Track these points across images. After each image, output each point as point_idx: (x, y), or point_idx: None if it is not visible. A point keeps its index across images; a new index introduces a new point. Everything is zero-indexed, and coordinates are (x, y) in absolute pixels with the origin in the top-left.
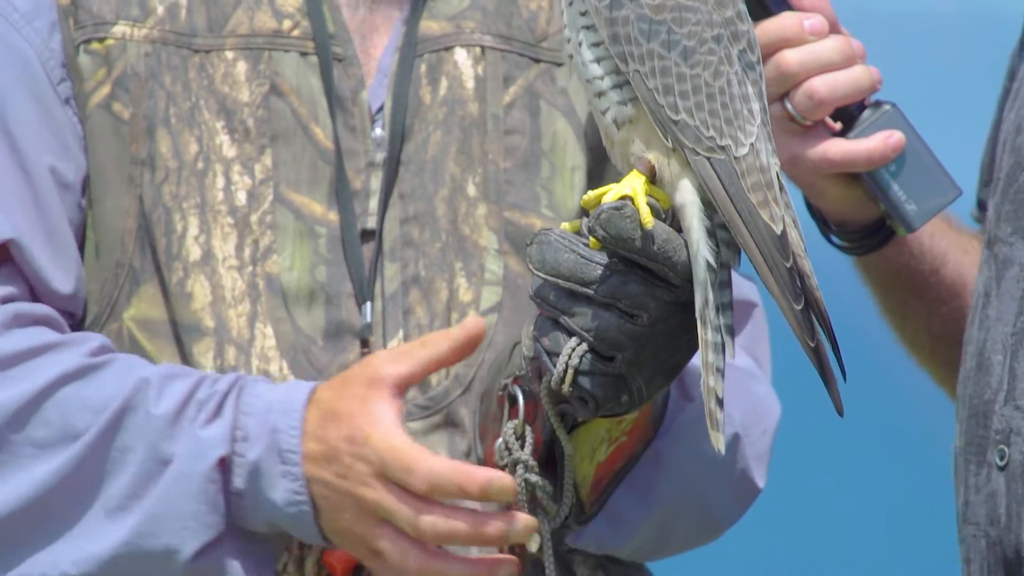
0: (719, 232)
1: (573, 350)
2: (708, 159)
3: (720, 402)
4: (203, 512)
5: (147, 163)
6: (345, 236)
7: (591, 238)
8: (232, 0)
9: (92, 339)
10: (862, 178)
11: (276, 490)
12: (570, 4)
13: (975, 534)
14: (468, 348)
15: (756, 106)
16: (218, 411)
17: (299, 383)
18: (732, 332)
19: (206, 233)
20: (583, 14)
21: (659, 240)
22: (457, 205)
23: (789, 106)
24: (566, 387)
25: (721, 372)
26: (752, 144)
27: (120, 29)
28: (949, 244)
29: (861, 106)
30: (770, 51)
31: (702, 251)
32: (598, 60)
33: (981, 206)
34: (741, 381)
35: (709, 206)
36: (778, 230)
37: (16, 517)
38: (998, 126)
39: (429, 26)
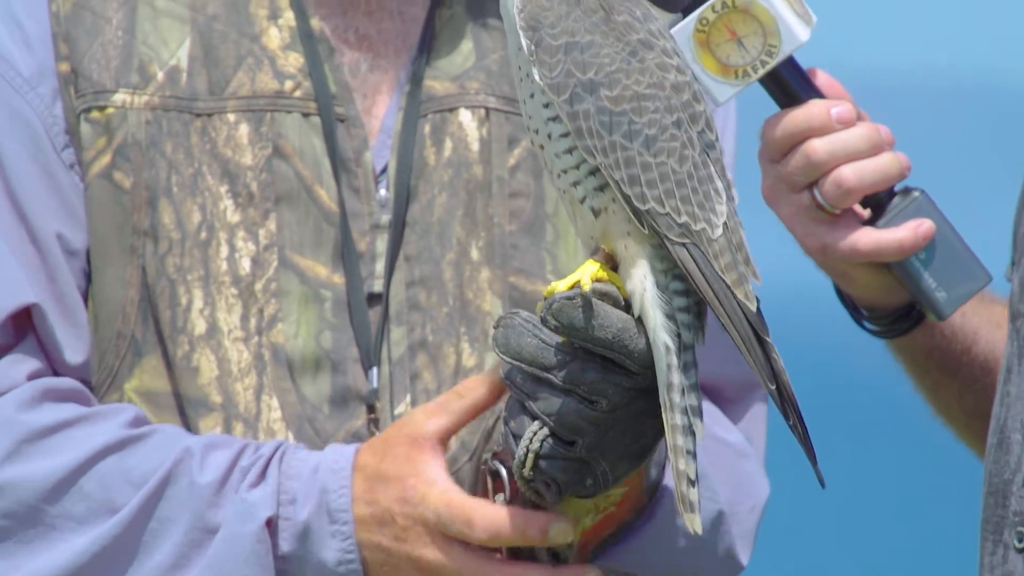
0: (679, 315)
1: (535, 434)
2: (683, 245)
3: (693, 483)
4: (255, 574)
5: (149, 234)
6: (351, 300)
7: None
8: (233, 62)
9: (127, 410)
10: (892, 266)
11: (326, 550)
12: (532, 96)
13: None
14: (503, 388)
15: (720, 184)
16: (263, 475)
17: (340, 446)
18: (700, 413)
19: (211, 306)
20: (547, 106)
21: (614, 328)
22: (462, 269)
23: (818, 195)
24: (527, 471)
25: (692, 454)
26: (724, 224)
27: (120, 97)
28: (981, 321)
29: (891, 193)
30: (798, 140)
31: (660, 337)
32: (569, 151)
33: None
34: (730, 458)
35: (667, 290)
36: (753, 307)
37: None
38: None
39: (432, 86)
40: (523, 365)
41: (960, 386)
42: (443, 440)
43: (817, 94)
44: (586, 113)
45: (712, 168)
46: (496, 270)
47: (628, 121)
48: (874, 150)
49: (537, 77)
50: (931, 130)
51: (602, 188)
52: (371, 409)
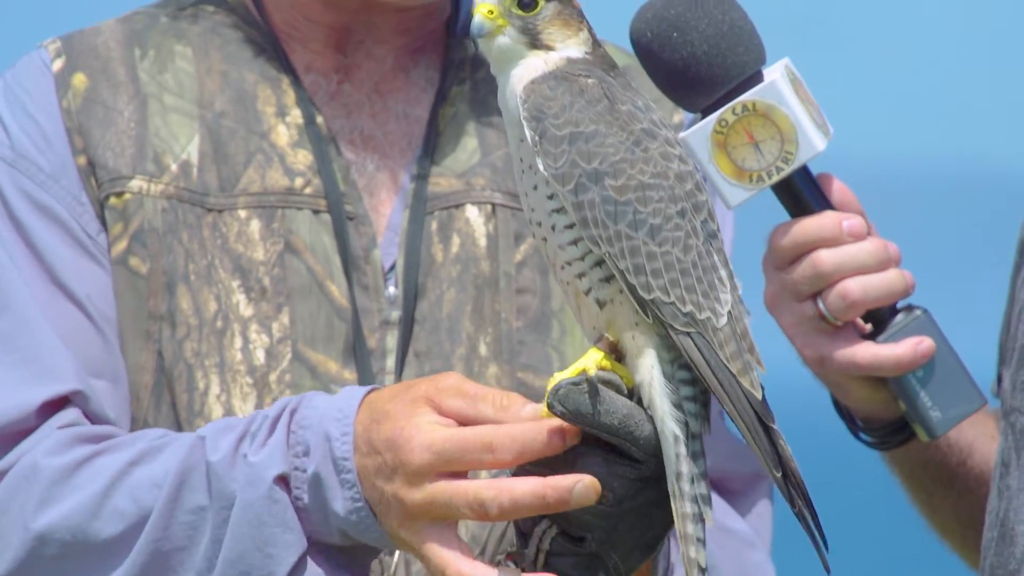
0: (686, 404)
1: (544, 532)
2: (688, 334)
3: (703, 571)
4: (278, 535)
5: (167, 318)
6: None
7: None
8: (243, 158)
9: (150, 433)
10: (889, 381)
11: (336, 500)
12: (535, 188)
13: None
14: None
15: (724, 273)
16: (270, 434)
17: (356, 388)
18: (709, 501)
19: (227, 393)
20: (551, 198)
21: (620, 415)
22: (472, 364)
23: (821, 305)
24: (538, 570)
25: (702, 542)
26: (729, 312)
27: (137, 184)
28: (976, 434)
29: (893, 309)
30: (807, 249)
31: (669, 426)
32: (574, 242)
33: (1001, 381)
34: (737, 547)
35: (673, 379)
36: (758, 395)
37: None
38: (1012, 302)
39: (438, 183)
40: (528, 466)
41: (956, 497)
42: (450, 417)
43: (828, 205)
44: (591, 203)
45: (716, 257)
46: (504, 366)
47: (633, 211)
48: (881, 266)
49: (542, 168)
50: (924, 217)
51: (608, 279)
52: None
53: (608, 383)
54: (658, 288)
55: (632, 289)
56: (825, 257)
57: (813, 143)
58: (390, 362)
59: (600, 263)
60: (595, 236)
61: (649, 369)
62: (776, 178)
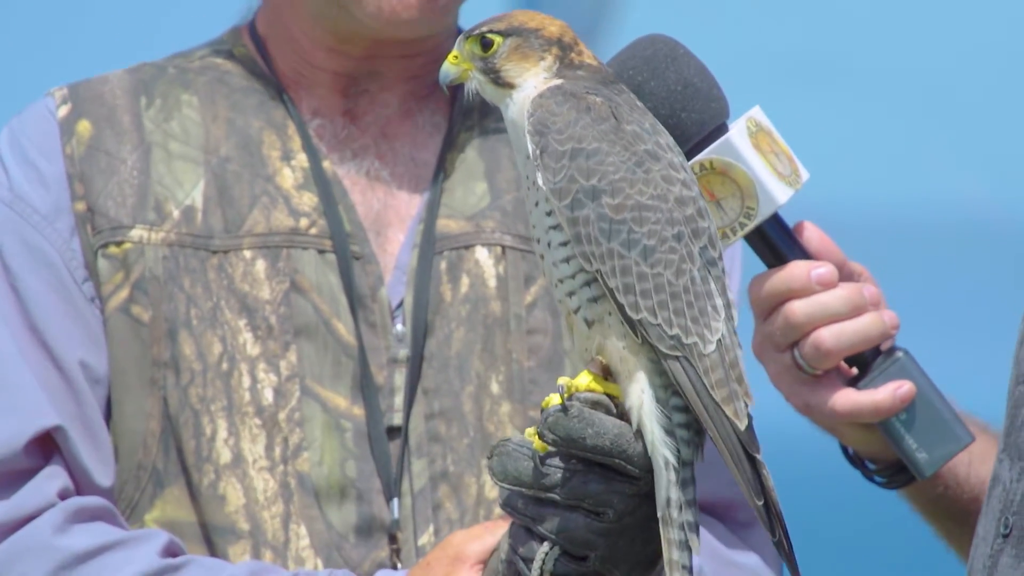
0: (678, 431)
1: (546, 554)
2: (676, 358)
3: None
4: None
5: (170, 365)
6: (371, 432)
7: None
8: (248, 200)
9: (159, 536)
10: (876, 425)
11: None
12: (536, 205)
13: None
14: None
15: (720, 302)
16: None
17: (387, 572)
18: (697, 528)
19: (235, 435)
20: (549, 214)
21: (611, 435)
22: (482, 402)
23: (798, 356)
24: None
25: (687, 569)
26: (719, 340)
27: (137, 233)
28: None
29: (876, 352)
30: (778, 301)
31: (659, 451)
32: (567, 259)
33: None
34: None
35: (667, 405)
36: (742, 425)
37: None
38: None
39: (447, 224)
40: (524, 489)
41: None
42: (483, 560)
43: (803, 253)
44: (586, 219)
45: (713, 285)
46: (516, 405)
47: (628, 230)
48: (854, 312)
49: (541, 182)
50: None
51: (596, 299)
52: (393, 539)
53: (596, 404)
54: (646, 309)
55: (620, 308)
56: (796, 308)
57: (774, 197)
58: (398, 399)
59: (590, 283)
60: (587, 253)
61: (639, 394)
62: (740, 234)
